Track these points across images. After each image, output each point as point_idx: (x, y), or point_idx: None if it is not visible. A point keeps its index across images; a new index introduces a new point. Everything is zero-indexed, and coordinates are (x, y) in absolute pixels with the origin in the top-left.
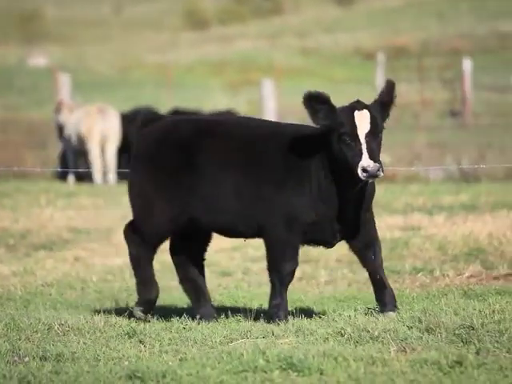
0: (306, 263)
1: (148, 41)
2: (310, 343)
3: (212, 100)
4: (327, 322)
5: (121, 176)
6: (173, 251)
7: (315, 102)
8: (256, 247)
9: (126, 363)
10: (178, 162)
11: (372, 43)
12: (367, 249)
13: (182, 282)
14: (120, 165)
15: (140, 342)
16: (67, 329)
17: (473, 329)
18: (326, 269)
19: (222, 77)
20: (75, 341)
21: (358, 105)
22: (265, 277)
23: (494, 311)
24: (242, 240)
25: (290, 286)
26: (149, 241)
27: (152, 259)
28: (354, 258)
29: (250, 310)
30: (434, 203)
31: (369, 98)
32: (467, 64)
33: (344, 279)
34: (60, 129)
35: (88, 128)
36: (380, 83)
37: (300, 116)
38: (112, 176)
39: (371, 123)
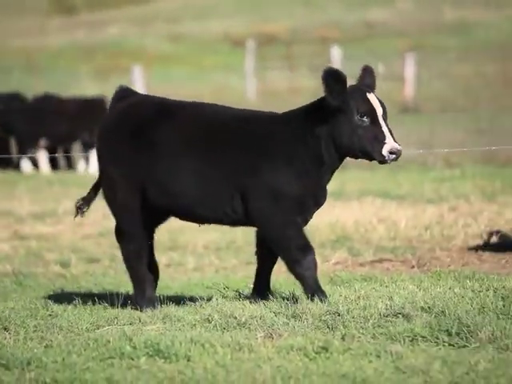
0: (174, 250)
1: (12, 25)
2: (178, 330)
3: (81, 85)
4: (195, 308)
5: None
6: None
7: (332, 79)
8: None
9: None
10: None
11: (241, 30)
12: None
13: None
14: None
15: (4, 329)
16: None
17: (338, 315)
18: (193, 256)
19: (91, 63)
20: None
21: (365, 88)
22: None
23: (359, 297)
24: (108, 226)
25: (160, 273)
26: (126, 228)
27: (144, 258)
28: (222, 244)
29: (117, 297)
30: None
31: (237, 85)
32: (336, 52)
33: (211, 266)
34: None
35: None
36: (249, 70)
37: None
38: None
39: (382, 106)
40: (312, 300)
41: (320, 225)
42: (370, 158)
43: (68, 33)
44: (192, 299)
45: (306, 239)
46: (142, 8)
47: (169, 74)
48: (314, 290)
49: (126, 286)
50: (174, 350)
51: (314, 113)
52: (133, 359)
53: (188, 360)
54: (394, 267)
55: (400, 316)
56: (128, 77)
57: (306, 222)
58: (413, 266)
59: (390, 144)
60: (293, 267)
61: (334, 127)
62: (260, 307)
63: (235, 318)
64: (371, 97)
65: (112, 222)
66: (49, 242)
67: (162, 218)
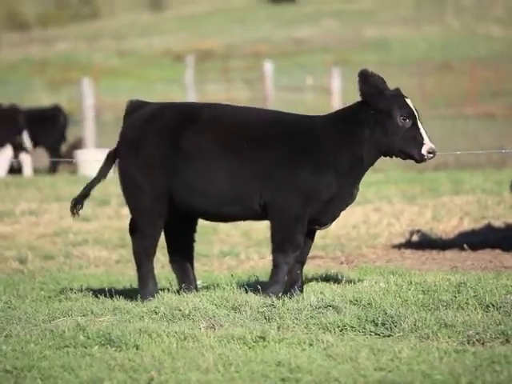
0: (122, 248)
1: None
2: (127, 321)
3: (34, 97)
4: (142, 301)
5: None
6: (165, 232)
7: (369, 82)
8: (76, 232)
9: None
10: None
11: (182, 46)
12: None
13: (170, 262)
14: None
15: None
16: None
17: (274, 307)
18: None
19: (44, 75)
20: None
21: (401, 92)
22: (85, 260)
23: None
24: (63, 226)
25: (110, 269)
26: (143, 228)
27: (153, 256)
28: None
29: (71, 291)
30: None
31: (179, 96)
32: (268, 66)
33: (158, 262)
34: None
35: None
36: (189, 83)
37: (116, 113)
38: None
39: (416, 110)
40: (269, 287)
41: (257, 224)
42: (409, 158)
43: (21, 48)
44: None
45: (302, 240)
46: (91, 25)
47: (115, 86)
48: (278, 281)
49: (80, 280)
50: (124, 339)
51: (356, 115)
52: (86, 348)
53: (137, 348)
54: (324, 263)
55: (331, 308)
56: (78, 88)
57: (334, 219)
58: (342, 263)
59: (428, 145)
60: (277, 254)
61: (377, 128)
62: (203, 300)
63: (180, 310)
64: (409, 101)
65: (66, 223)
66: (7, 240)
67: (191, 223)
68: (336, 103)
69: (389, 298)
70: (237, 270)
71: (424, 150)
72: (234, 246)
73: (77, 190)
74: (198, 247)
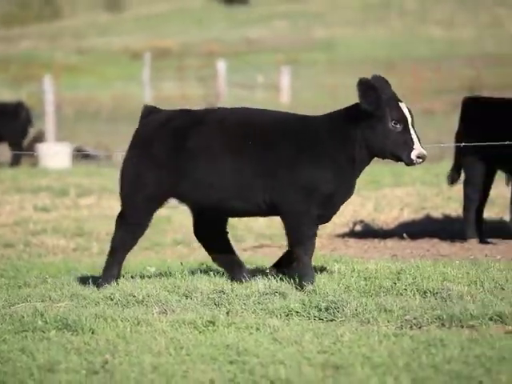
0: (80, 236)
1: None
2: (84, 306)
3: None
4: (98, 287)
5: None
6: (196, 232)
7: (367, 88)
8: (35, 222)
9: None
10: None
11: (139, 45)
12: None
13: (213, 259)
14: None
15: None
16: None
17: (224, 293)
18: (97, 241)
19: (6, 72)
20: None
21: (396, 97)
22: (44, 248)
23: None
24: (23, 216)
25: (67, 256)
26: (132, 222)
27: (129, 250)
28: None
29: (30, 278)
30: None
31: (136, 92)
32: (221, 65)
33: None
34: None
35: None
36: (146, 80)
37: (75, 108)
38: None
39: (410, 114)
40: (301, 281)
41: None
42: (399, 160)
43: None
44: (96, 280)
45: (315, 229)
46: (52, 25)
47: (76, 83)
48: (306, 273)
49: (39, 268)
50: (81, 324)
51: (350, 117)
52: (44, 332)
53: (92, 333)
54: (272, 252)
55: (277, 294)
56: (39, 85)
57: (333, 213)
58: None
59: (418, 149)
60: (296, 248)
61: (368, 131)
62: (156, 287)
63: (134, 296)
64: (402, 106)
65: (27, 213)
66: None
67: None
68: (285, 100)
69: (332, 285)
70: (188, 258)
71: (413, 155)
72: (187, 235)
73: (37, 182)
74: (153, 237)
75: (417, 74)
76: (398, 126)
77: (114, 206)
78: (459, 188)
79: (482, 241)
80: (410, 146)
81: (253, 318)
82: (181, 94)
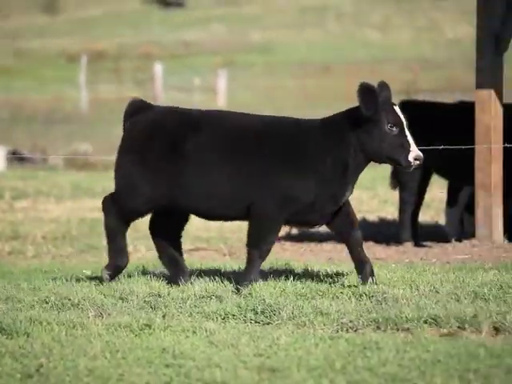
0: (15, 240)
1: None
2: (18, 310)
3: None
4: (33, 291)
5: None
6: (152, 228)
7: (366, 93)
8: None
9: None
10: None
11: (76, 48)
12: (351, 227)
13: (160, 257)
14: None
15: None
16: None
17: (160, 296)
18: (32, 245)
19: None
20: None
21: (390, 99)
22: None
23: None
24: None
25: (2, 259)
26: (126, 216)
27: (126, 231)
28: (57, 234)
29: None
30: None
31: (72, 95)
32: (158, 67)
33: (48, 254)
34: None
35: None
36: (82, 82)
37: (10, 110)
38: None
39: (405, 118)
40: (243, 280)
41: (145, 218)
42: (396, 164)
43: None
44: (30, 283)
45: (276, 236)
46: None
47: (12, 85)
48: (251, 274)
49: None
50: (15, 327)
51: (345, 121)
52: None
53: (27, 336)
54: (208, 255)
55: (213, 297)
56: None
57: (323, 219)
58: (225, 254)
59: (414, 152)
60: (252, 249)
61: (364, 135)
62: (91, 290)
63: (69, 299)
64: (398, 110)
65: None
66: None
67: (182, 219)
68: (221, 102)
69: (268, 288)
70: None
71: (411, 157)
72: None
73: None
74: (90, 240)
75: (353, 77)
76: (394, 129)
77: (50, 209)
78: (395, 192)
79: (418, 244)
80: (406, 148)
81: (189, 321)
82: (117, 96)
